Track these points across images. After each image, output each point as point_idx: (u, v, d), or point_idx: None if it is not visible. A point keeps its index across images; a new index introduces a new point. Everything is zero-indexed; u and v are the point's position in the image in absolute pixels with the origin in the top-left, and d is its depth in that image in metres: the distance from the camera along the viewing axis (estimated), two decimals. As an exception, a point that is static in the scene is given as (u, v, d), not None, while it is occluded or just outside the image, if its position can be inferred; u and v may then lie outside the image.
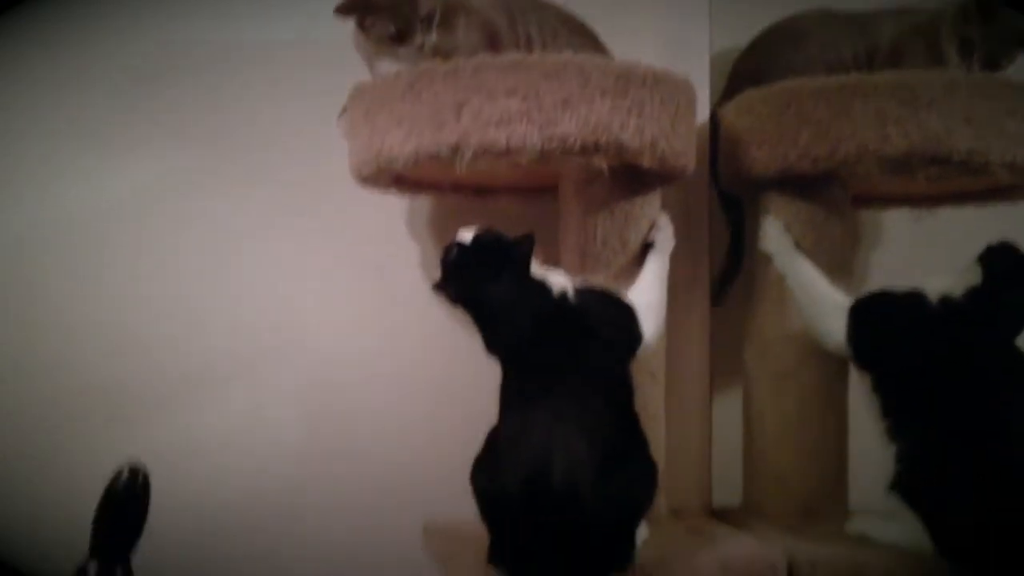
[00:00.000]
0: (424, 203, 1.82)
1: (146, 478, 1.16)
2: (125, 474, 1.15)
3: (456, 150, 1.37)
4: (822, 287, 1.51)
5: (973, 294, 1.41)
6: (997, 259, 1.42)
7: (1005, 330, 1.41)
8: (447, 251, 1.38)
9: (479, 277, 1.35)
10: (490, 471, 1.29)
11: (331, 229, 1.81)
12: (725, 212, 1.77)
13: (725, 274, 1.77)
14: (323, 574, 1.80)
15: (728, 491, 1.72)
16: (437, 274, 1.38)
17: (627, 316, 1.41)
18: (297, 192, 1.80)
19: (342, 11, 1.45)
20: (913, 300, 1.44)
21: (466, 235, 1.37)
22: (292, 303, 1.81)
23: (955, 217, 1.75)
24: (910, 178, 1.50)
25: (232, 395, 1.80)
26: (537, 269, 1.38)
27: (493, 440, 1.32)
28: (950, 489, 1.34)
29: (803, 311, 1.54)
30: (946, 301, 1.42)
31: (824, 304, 1.50)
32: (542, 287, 1.36)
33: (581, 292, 1.38)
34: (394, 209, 1.81)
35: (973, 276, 1.42)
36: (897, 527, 1.40)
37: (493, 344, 1.37)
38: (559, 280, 1.38)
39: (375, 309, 1.82)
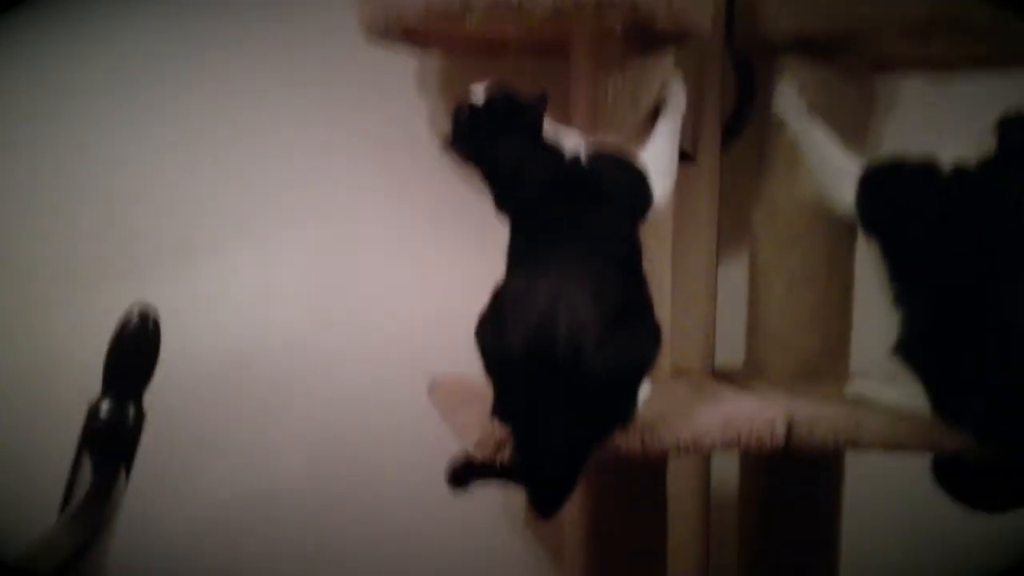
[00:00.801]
0: (433, 62, 1.79)
1: (156, 321, 1.17)
2: (136, 316, 1.16)
3: (467, 5, 1.34)
4: (834, 152, 1.50)
5: (986, 164, 1.39)
6: (1012, 129, 1.39)
7: (1017, 201, 1.40)
8: (458, 108, 1.36)
9: (491, 135, 1.34)
10: (494, 328, 1.29)
11: (337, 87, 1.79)
12: (736, 73, 1.75)
13: (729, 128, 1.76)
14: (329, 430, 1.85)
15: (731, 352, 1.74)
16: (447, 132, 1.37)
17: (639, 178, 1.40)
18: (302, 49, 1.77)
19: None
20: (925, 168, 1.42)
21: (478, 92, 1.35)
22: (298, 161, 1.80)
23: (974, 84, 1.73)
24: (929, 43, 1.47)
25: (240, 253, 1.81)
26: (549, 129, 1.36)
27: (498, 297, 1.32)
28: (954, 354, 1.35)
29: (814, 175, 1.52)
30: (959, 170, 1.40)
31: (835, 169, 1.48)
32: (554, 147, 1.35)
33: (593, 153, 1.37)
34: (403, 67, 1.79)
35: (988, 145, 1.39)
36: (897, 390, 1.42)
37: (503, 203, 1.37)
38: (571, 140, 1.37)
39: (383, 168, 1.81)
